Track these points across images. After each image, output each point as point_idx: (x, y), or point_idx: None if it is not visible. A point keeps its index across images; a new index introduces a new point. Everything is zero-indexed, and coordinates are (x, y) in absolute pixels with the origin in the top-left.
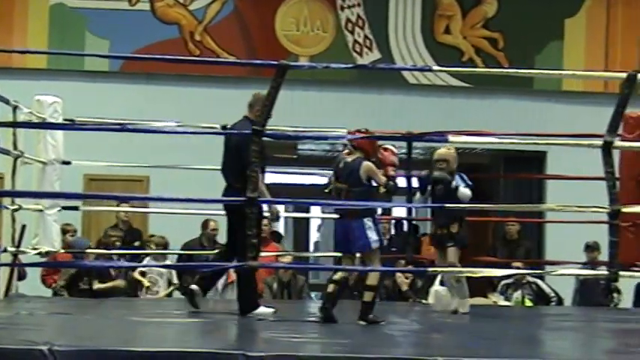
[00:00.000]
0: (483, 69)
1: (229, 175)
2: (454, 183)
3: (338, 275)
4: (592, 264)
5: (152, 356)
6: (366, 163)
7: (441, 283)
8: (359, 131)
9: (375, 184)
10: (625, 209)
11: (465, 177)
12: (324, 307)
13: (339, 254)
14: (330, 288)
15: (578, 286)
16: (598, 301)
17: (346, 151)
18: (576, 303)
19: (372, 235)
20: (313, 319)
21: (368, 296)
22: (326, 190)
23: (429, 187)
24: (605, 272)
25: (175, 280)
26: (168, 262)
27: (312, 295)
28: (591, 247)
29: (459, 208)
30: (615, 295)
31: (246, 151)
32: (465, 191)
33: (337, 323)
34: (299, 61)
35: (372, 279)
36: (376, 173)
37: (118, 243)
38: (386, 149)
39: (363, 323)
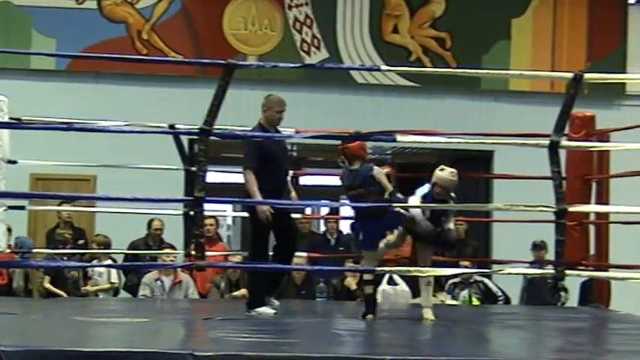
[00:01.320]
0: (431, 69)
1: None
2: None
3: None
4: (539, 263)
5: (99, 356)
6: (378, 168)
7: (389, 283)
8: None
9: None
10: (571, 208)
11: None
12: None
13: None
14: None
15: (525, 285)
16: (545, 300)
17: (341, 160)
18: (524, 302)
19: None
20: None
21: (368, 289)
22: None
23: None
24: (552, 271)
25: (114, 279)
26: (109, 262)
27: None
28: (539, 246)
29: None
30: (562, 293)
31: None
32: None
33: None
34: (247, 61)
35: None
36: (384, 178)
37: (71, 241)
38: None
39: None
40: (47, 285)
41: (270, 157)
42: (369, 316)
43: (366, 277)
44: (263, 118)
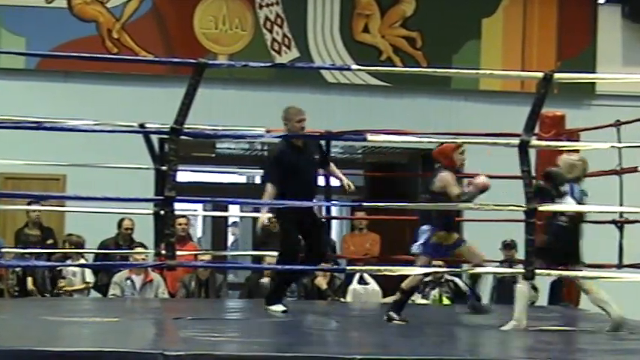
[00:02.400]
0: (402, 68)
1: None
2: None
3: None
4: (509, 262)
5: (70, 356)
6: (444, 174)
7: (359, 282)
8: None
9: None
10: (541, 208)
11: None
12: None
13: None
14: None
15: (495, 285)
16: (512, 298)
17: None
18: (494, 301)
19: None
20: (232, 317)
21: (396, 295)
22: None
23: None
24: (522, 270)
25: (89, 279)
26: (83, 262)
27: (230, 293)
28: (509, 245)
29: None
30: (532, 292)
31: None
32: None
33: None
34: (217, 60)
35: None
36: (449, 184)
37: (38, 244)
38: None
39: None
40: (31, 287)
41: (290, 169)
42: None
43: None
44: (286, 131)
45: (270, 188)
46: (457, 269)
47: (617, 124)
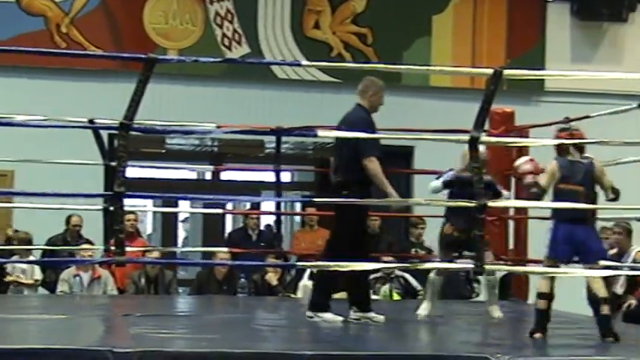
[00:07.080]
0: (352, 64)
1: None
2: None
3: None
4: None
5: (17, 353)
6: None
7: (310, 278)
8: None
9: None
10: (491, 203)
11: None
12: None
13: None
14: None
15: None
16: (460, 293)
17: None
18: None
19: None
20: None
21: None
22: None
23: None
24: (472, 265)
25: (37, 276)
26: (32, 258)
27: (180, 290)
28: None
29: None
30: (475, 285)
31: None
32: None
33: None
34: (167, 55)
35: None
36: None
37: None
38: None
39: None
40: None
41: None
42: (538, 335)
43: (542, 289)
44: (367, 102)
45: (377, 164)
46: (407, 264)
47: (566, 121)
